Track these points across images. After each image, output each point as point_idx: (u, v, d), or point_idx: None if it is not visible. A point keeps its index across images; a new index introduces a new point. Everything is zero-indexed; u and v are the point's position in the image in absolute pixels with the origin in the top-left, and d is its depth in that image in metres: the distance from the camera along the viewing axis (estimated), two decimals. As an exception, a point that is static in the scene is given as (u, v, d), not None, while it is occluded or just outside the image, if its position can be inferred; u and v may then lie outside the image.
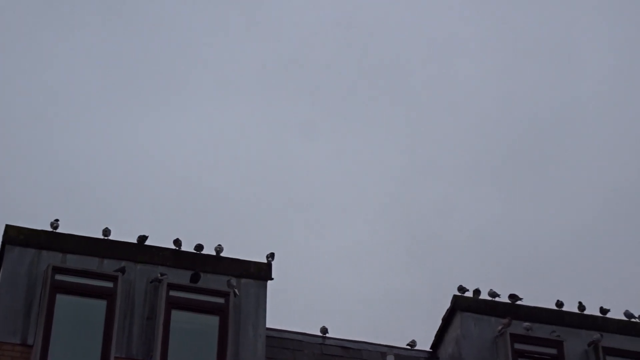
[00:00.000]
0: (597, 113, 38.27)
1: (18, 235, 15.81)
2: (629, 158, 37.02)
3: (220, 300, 15.98)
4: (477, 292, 17.20)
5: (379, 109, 38.49)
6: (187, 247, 16.51)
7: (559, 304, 17.25)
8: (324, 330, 17.21)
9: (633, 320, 17.34)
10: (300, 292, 29.77)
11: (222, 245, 16.56)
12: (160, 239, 16.51)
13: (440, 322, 17.48)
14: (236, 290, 16.08)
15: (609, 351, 16.83)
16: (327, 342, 17.13)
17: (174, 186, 34.13)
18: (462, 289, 17.19)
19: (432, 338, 17.70)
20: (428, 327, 18.18)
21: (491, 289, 17.19)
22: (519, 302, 17.15)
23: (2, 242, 15.82)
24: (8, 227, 15.87)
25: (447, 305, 17.32)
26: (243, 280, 16.34)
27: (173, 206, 33.01)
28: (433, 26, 39.32)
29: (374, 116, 38.36)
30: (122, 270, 15.81)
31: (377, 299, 32.95)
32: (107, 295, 15.60)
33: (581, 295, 18.00)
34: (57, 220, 16.10)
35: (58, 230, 16.06)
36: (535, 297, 18.16)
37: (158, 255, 16.25)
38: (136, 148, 35.47)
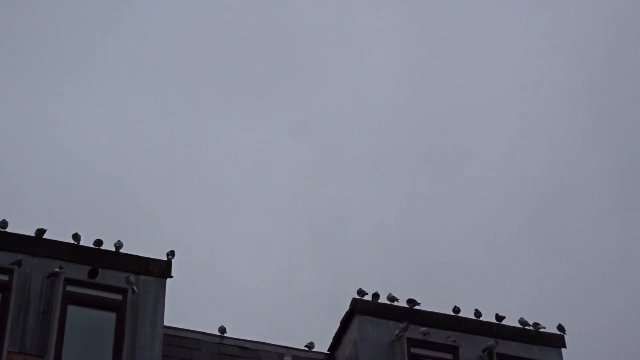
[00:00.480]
0: (507, 112, 38.71)
1: None
2: (536, 158, 37.52)
3: (118, 297, 15.79)
4: (376, 295, 17.32)
5: (287, 98, 38.45)
6: (87, 241, 16.31)
7: (456, 310, 17.48)
8: (222, 329, 17.15)
9: (527, 327, 17.65)
10: (201, 289, 29.62)
11: (122, 241, 16.39)
12: (59, 233, 16.30)
13: (339, 323, 17.55)
14: (135, 287, 15.92)
15: (502, 357, 17.10)
16: (225, 341, 17.07)
17: (76, 178, 33.64)
18: (361, 292, 17.29)
19: (331, 340, 17.76)
20: (327, 327, 18.26)
21: (390, 294, 17.33)
22: (416, 307, 17.32)
23: None
24: None
25: (348, 303, 17.35)
26: (142, 278, 16.17)
27: (74, 199, 32.52)
28: (345, 16, 39.39)
29: (282, 106, 38.30)
30: (19, 264, 15.51)
31: (278, 296, 32.92)
32: (3, 289, 15.28)
33: (479, 298, 18.27)
34: (-49, 210, 15.75)
35: (-48, 221, 15.72)
36: (434, 302, 18.39)
37: (56, 249, 16.00)
38: (35, 134, 34.84)
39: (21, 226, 16.15)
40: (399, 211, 36.40)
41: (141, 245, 16.99)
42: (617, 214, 35.84)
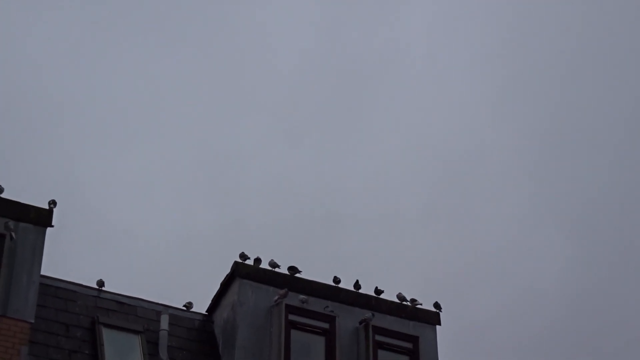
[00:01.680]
0: (419, 70, 38.63)
1: None
2: (447, 119, 37.55)
3: (-5, 242, 15.52)
4: (257, 260, 17.29)
5: (195, 39, 37.91)
6: (-34, 185, 15.94)
7: (336, 280, 17.57)
8: (101, 283, 16.95)
9: (404, 303, 17.83)
10: (85, 237, 29.13)
11: (3, 186, 16.05)
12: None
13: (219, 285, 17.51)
14: (13, 234, 15.64)
15: (378, 330, 17.27)
16: (103, 295, 16.88)
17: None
18: (243, 256, 17.24)
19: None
20: (210, 287, 18.15)
21: (272, 260, 17.32)
22: (297, 275, 17.36)
23: None
24: None
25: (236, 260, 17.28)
26: (21, 225, 15.89)
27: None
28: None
29: (189, 44, 37.73)
30: None
31: (166, 246, 32.59)
32: None
33: (373, 258, 18.21)
34: None
35: None
36: (320, 266, 18.40)
37: None
38: None
39: None
40: (301, 162, 36.35)
41: (23, 191, 16.69)
42: (527, 182, 35.86)
